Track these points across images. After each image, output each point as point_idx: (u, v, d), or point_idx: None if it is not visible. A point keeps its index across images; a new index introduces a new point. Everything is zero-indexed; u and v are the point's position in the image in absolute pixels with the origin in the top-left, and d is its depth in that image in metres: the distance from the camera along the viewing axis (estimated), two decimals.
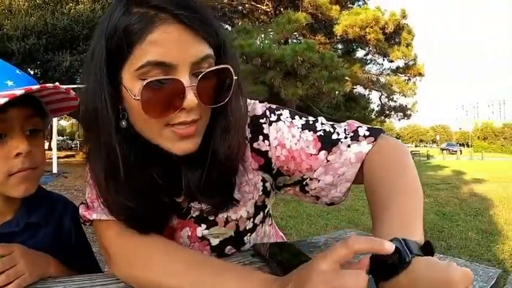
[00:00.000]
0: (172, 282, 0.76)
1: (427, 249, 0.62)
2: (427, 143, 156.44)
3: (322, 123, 0.93)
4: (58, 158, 12.00)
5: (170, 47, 0.69)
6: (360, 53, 24.55)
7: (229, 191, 0.89)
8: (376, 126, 0.93)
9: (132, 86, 0.72)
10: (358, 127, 0.92)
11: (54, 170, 11.27)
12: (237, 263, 0.92)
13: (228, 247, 0.99)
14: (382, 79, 24.25)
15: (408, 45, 21.96)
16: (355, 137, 0.89)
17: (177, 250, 0.83)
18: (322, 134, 0.89)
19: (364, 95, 26.15)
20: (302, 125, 0.91)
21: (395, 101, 25.86)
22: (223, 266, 0.77)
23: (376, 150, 0.88)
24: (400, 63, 23.42)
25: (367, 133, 0.90)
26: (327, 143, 0.89)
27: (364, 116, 25.58)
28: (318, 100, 19.57)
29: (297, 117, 0.93)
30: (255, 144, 0.91)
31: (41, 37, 13.71)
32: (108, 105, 0.74)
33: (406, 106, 25.74)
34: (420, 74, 23.39)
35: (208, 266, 0.77)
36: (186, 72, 0.71)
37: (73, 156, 20.31)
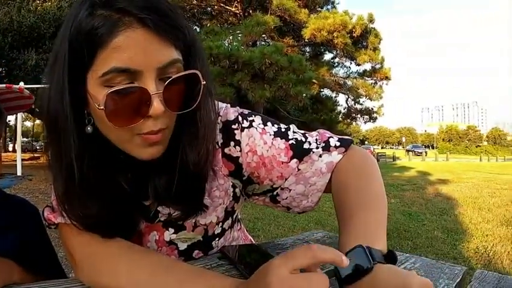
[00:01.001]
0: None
1: (390, 257, 0.66)
2: (393, 145, 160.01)
3: (294, 132, 0.93)
4: (22, 160, 11.66)
5: (135, 52, 0.66)
6: (328, 56, 24.81)
7: (198, 197, 0.87)
8: (346, 137, 0.95)
9: (97, 93, 0.68)
10: (329, 137, 0.93)
11: (19, 173, 11.04)
12: (204, 266, 0.89)
13: (196, 251, 0.97)
14: (349, 82, 24.53)
15: (375, 49, 22.29)
16: (327, 147, 0.90)
17: (142, 257, 0.79)
18: (294, 142, 0.90)
19: (331, 97, 26.44)
20: (274, 132, 0.90)
21: (361, 104, 26.23)
22: (189, 273, 0.73)
23: (344, 161, 0.90)
24: (367, 66, 23.78)
25: (338, 143, 0.91)
26: (299, 152, 0.89)
27: (331, 119, 25.88)
28: (285, 102, 19.66)
29: (269, 123, 0.92)
30: (226, 150, 0.89)
31: (7, 35, 13.50)
32: (68, 112, 0.70)
33: (372, 109, 26.13)
34: (387, 78, 23.75)
35: (173, 273, 0.73)
36: (152, 79, 0.68)
37: (38, 158, 19.79)
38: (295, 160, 0.88)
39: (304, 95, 16.03)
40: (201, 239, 0.95)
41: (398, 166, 24.93)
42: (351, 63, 24.15)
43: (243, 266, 0.86)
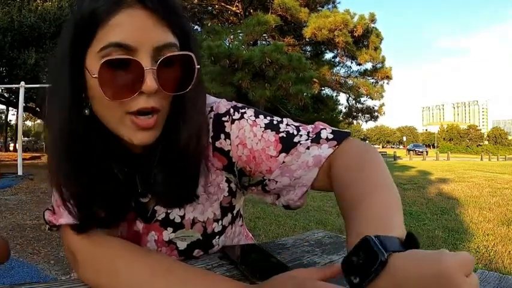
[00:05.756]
0: None
1: (410, 242, 0.54)
2: (394, 144, 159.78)
3: (287, 124, 0.89)
4: (23, 159, 11.64)
5: (133, 30, 0.69)
6: (328, 55, 24.77)
7: (191, 185, 0.86)
8: (344, 130, 0.88)
9: (93, 66, 0.71)
10: (322, 129, 0.87)
11: (20, 172, 11.02)
12: (205, 265, 0.88)
13: (196, 250, 0.95)
14: (350, 81, 24.50)
15: (376, 48, 22.26)
16: (317, 139, 0.85)
17: (143, 257, 0.79)
18: (285, 135, 0.86)
19: (332, 96, 26.36)
20: (265, 124, 0.88)
21: (362, 103, 26.19)
22: (191, 274, 0.73)
23: (340, 155, 0.82)
24: (368, 66, 23.73)
25: (330, 136, 0.85)
26: (288, 145, 0.85)
27: (332, 118, 25.81)
28: (286, 102, 19.64)
29: (261, 116, 0.90)
30: (217, 143, 0.88)
31: (7, 34, 13.53)
32: (67, 86, 0.74)
33: (373, 108, 26.09)
34: (388, 77, 23.71)
35: (175, 274, 0.73)
36: (148, 56, 0.70)
37: (39, 157, 19.79)
38: (283, 154, 0.84)
39: (304, 94, 16.00)
40: (201, 237, 0.94)
41: (399, 165, 24.89)
42: (351, 62, 24.10)
43: (244, 266, 0.86)
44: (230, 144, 0.87)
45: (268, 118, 0.90)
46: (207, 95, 0.90)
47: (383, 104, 26.15)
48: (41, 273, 3.63)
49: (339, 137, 0.84)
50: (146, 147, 0.80)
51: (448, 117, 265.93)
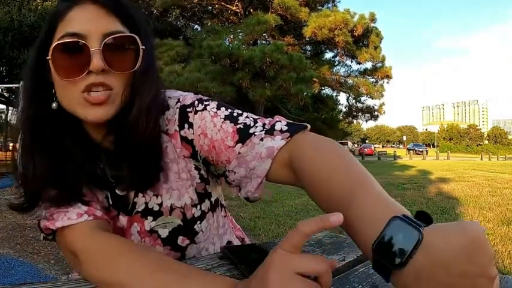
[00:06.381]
0: (137, 285, 0.73)
1: (425, 219, 0.53)
2: (394, 144, 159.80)
3: (246, 117, 0.91)
4: None
5: (84, 21, 0.81)
6: (328, 55, 24.79)
7: (152, 162, 0.90)
8: (301, 123, 0.87)
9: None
10: (277, 121, 0.87)
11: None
12: (205, 265, 0.89)
13: (180, 237, 0.99)
14: (350, 81, 24.52)
15: (376, 47, 22.27)
16: (271, 131, 0.84)
17: (143, 254, 0.80)
18: (242, 126, 0.88)
19: (332, 96, 26.41)
20: (225, 115, 0.91)
21: (362, 103, 26.21)
22: (188, 272, 0.74)
23: (298, 147, 0.80)
24: (368, 65, 23.75)
25: (284, 128, 0.84)
26: (244, 136, 0.86)
27: (332, 117, 25.85)
28: (286, 101, 19.66)
29: (222, 108, 0.93)
30: (182, 132, 0.93)
31: (7, 34, 13.54)
32: (30, 77, 0.87)
33: (373, 107, 26.11)
34: (388, 76, 23.73)
35: (173, 270, 0.74)
36: (97, 41, 0.80)
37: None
38: (239, 145, 0.86)
39: (305, 93, 16.00)
40: (181, 223, 0.97)
41: (399, 165, 24.89)
42: (351, 61, 24.13)
43: (244, 266, 0.86)
44: (193, 134, 0.92)
45: (229, 110, 0.92)
46: (176, 90, 1.00)
47: (383, 104, 26.17)
48: (41, 272, 3.63)
49: (293, 129, 0.84)
50: (114, 141, 0.89)
51: (448, 117, 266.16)
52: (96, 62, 0.79)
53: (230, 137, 0.87)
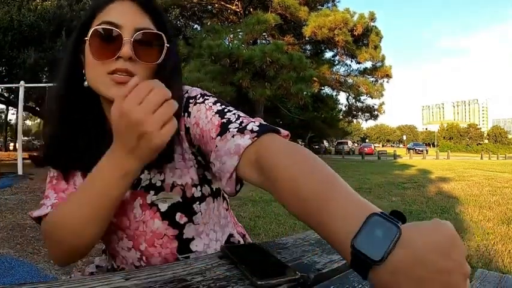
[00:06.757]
0: (60, 212, 0.94)
1: (401, 219, 0.54)
2: (394, 143, 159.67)
3: (233, 113, 0.94)
4: (23, 159, 11.53)
5: (121, 13, 0.92)
6: (328, 54, 24.82)
7: (169, 147, 0.92)
8: (275, 127, 0.88)
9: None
10: (251, 122, 0.89)
11: (20, 172, 10.89)
12: (205, 265, 0.88)
13: (178, 214, 1.03)
14: (350, 80, 24.54)
15: (376, 47, 22.29)
16: (242, 130, 0.86)
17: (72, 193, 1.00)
18: (225, 121, 0.91)
19: (332, 95, 26.45)
20: (217, 110, 0.96)
21: (362, 102, 26.24)
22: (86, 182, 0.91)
23: (265, 149, 0.80)
24: (368, 64, 23.77)
25: (255, 128, 0.85)
26: (224, 130, 0.89)
27: (332, 116, 25.89)
28: (286, 101, 19.67)
29: (218, 104, 0.99)
30: (182, 119, 1.01)
31: (7, 34, 13.53)
32: (68, 59, 0.98)
33: (373, 107, 26.14)
34: (387, 76, 23.75)
35: (87, 181, 0.91)
36: (129, 33, 0.91)
37: (37, 157, 19.68)
38: (218, 137, 0.89)
39: (304, 93, 16.01)
40: (180, 199, 1.02)
41: (399, 164, 24.87)
42: (351, 61, 24.17)
43: (243, 265, 0.85)
44: (190, 123, 0.99)
45: (223, 106, 0.97)
46: (187, 85, 1.09)
47: (383, 103, 26.20)
48: (41, 272, 3.61)
49: (262, 130, 0.84)
50: None
51: (448, 116, 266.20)
52: (126, 50, 0.89)
53: (214, 129, 0.91)
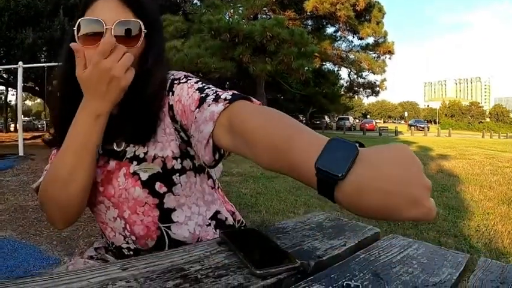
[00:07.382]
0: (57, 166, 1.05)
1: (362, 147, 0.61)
2: (395, 119, 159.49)
3: (212, 90, 1.01)
4: (24, 139, 11.52)
5: (104, 10, 1.03)
6: (330, 30, 24.60)
7: (153, 124, 1.09)
8: (246, 95, 0.94)
9: None
10: (226, 92, 0.97)
11: (21, 153, 10.87)
12: (204, 251, 0.89)
13: (158, 183, 1.09)
14: (352, 56, 24.39)
15: (378, 22, 22.09)
16: (216, 99, 0.94)
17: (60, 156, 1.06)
18: (204, 95, 0.99)
19: (334, 71, 26.34)
20: (198, 88, 1.03)
21: (364, 78, 26.14)
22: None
23: (233, 112, 0.87)
24: (370, 40, 23.58)
25: (228, 97, 0.93)
26: (201, 103, 0.97)
27: (333, 92, 25.85)
28: (287, 76, 19.57)
29: (199, 83, 1.07)
30: (166, 98, 1.11)
31: (3, 14, 13.42)
32: (66, 43, 1.06)
33: (374, 83, 26.06)
34: (390, 52, 23.59)
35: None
36: (110, 24, 1.00)
37: (39, 137, 19.69)
38: (197, 110, 0.97)
39: (306, 68, 15.93)
40: (160, 170, 1.09)
41: (400, 140, 24.85)
42: (353, 36, 23.98)
43: (242, 252, 0.85)
44: (173, 100, 1.08)
45: (203, 85, 1.06)
46: (176, 71, 1.17)
47: (385, 79, 26.13)
48: (44, 254, 3.62)
49: (233, 98, 0.92)
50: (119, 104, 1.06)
51: (450, 94, 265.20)
52: (108, 37, 0.98)
53: (194, 103, 0.99)
